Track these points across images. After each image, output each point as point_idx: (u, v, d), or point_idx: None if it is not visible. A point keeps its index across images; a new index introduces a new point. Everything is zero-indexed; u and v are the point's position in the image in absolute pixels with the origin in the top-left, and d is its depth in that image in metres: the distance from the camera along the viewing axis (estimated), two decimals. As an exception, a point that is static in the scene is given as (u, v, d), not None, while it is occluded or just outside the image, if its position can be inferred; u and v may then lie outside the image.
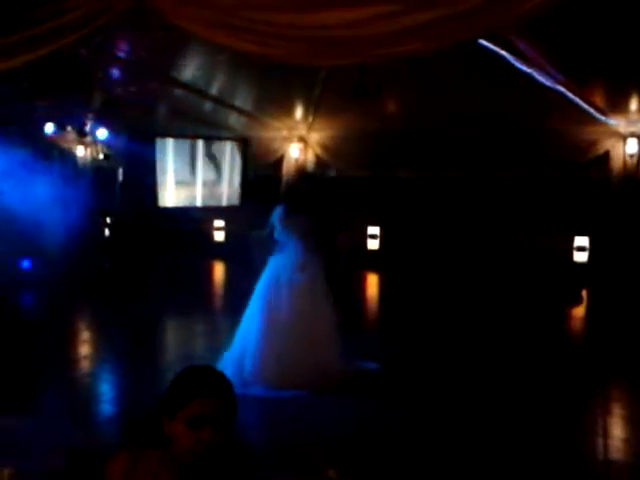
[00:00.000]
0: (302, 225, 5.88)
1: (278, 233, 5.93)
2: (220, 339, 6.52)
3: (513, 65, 7.38)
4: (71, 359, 6.66)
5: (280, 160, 13.16)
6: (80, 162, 12.93)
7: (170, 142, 13.34)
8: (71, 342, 7.41)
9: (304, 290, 5.81)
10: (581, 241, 11.41)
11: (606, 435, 4.80)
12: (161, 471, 1.77)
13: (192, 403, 1.71)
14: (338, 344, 5.89)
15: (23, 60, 3.15)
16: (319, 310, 5.84)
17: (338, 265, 6.56)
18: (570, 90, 8.61)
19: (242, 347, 5.77)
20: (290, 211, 5.93)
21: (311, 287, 5.84)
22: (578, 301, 10.19)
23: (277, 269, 5.90)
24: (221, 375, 1.81)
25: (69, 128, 11.95)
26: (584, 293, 10.61)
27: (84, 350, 7.34)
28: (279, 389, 5.46)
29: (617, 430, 5.03)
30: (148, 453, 1.82)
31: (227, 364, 5.57)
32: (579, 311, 9.87)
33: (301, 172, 12.50)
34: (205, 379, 1.77)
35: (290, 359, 5.56)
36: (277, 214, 5.95)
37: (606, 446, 4.61)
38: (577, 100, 9.08)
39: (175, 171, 13.57)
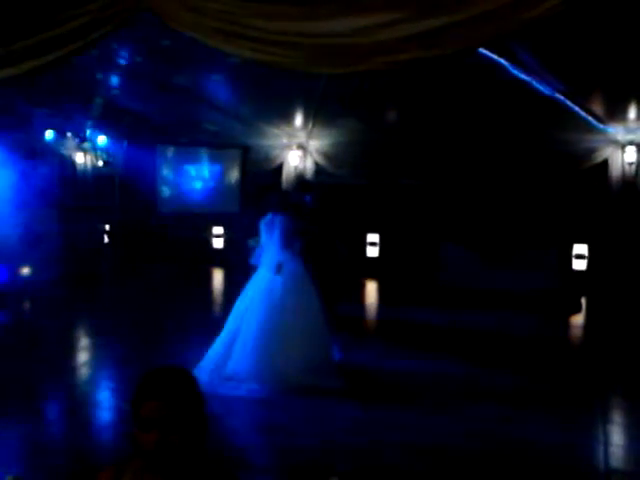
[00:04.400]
0: (281, 226, 6.06)
1: (263, 237, 6.16)
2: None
3: (512, 73, 7.41)
4: (70, 366, 6.65)
5: (279, 168, 13.18)
6: (79, 169, 12.93)
7: (171, 149, 13.43)
8: (70, 349, 7.38)
9: (282, 289, 5.93)
10: (580, 249, 11.43)
11: (607, 443, 4.78)
12: (146, 479, 1.77)
13: (142, 406, 1.72)
14: (326, 342, 6.00)
15: (29, 66, 3.16)
16: (300, 309, 5.92)
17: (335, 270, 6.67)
18: (569, 98, 8.65)
19: (223, 347, 5.96)
20: (273, 214, 6.15)
21: (289, 286, 5.95)
22: (577, 309, 10.19)
23: (257, 271, 6.13)
24: (171, 377, 1.78)
25: (69, 134, 11.95)
26: (583, 301, 10.61)
27: (83, 357, 7.32)
28: (252, 386, 5.61)
29: (617, 438, 5.02)
30: (133, 463, 1.81)
31: (207, 364, 5.84)
32: (578, 319, 9.86)
33: (300, 180, 12.54)
34: (151, 382, 1.76)
35: (266, 358, 5.71)
36: (264, 219, 6.18)
37: (607, 454, 4.60)
38: (576, 108, 9.11)
39: (175, 177, 13.64)
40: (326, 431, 4.90)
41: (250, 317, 5.89)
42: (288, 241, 6.08)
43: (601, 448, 4.69)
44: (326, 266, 6.43)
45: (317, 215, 6.58)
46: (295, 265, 6.08)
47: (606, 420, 5.28)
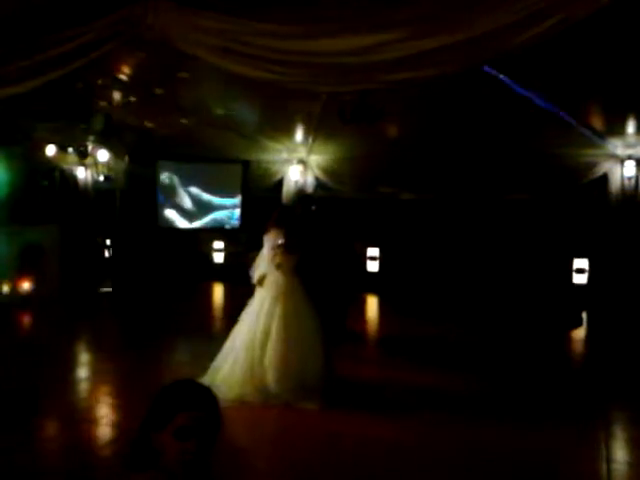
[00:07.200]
0: (272, 240, 6.09)
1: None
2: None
3: (513, 89, 7.45)
4: (70, 381, 6.62)
5: (280, 182, 13.21)
6: (80, 183, 12.95)
7: (172, 163, 13.49)
8: (70, 364, 7.36)
9: (269, 303, 5.94)
10: (580, 263, 11.43)
11: (609, 459, 4.75)
12: None
13: (178, 415, 1.77)
14: (317, 360, 5.92)
15: (32, 85, 3.18)
16: (285, 324, 5.88)
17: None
18: (568, 113, 8.69)
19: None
20: (268, 228, 6.19)
21: (276, 300, 5.94)
22: (578, 323, 10.18)
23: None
24: (206, 389, 1.88)
25: (70, 149, 11.98)
26: (584, 315, 10.59)
27: (83, 372, 7.29)
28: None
29: (621, 454, 4.99)
30: (140, 476, 1.82)
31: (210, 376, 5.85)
32: (579, 333, 9.85)
33: (302, 193, 12.59)
34: (191, 393, 1.84)
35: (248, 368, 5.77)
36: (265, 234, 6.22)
37: (610, 470, 4.57)
38: (575, 123, 9.15)
39: (175, 192, 13.68)
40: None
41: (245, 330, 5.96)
42: (276, 252, 6.07)
43: (604, 465, 4.66)
44: (326, 282, 6.40)
45: (318, 228, 6.59)
46: (283, 279, 6.04)
47: (609, 436, 5.26)
